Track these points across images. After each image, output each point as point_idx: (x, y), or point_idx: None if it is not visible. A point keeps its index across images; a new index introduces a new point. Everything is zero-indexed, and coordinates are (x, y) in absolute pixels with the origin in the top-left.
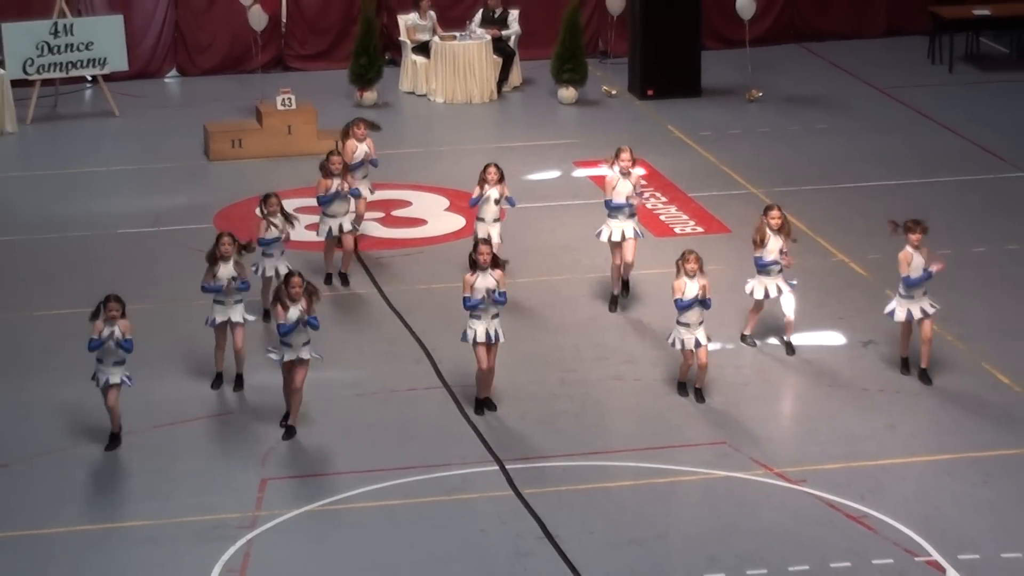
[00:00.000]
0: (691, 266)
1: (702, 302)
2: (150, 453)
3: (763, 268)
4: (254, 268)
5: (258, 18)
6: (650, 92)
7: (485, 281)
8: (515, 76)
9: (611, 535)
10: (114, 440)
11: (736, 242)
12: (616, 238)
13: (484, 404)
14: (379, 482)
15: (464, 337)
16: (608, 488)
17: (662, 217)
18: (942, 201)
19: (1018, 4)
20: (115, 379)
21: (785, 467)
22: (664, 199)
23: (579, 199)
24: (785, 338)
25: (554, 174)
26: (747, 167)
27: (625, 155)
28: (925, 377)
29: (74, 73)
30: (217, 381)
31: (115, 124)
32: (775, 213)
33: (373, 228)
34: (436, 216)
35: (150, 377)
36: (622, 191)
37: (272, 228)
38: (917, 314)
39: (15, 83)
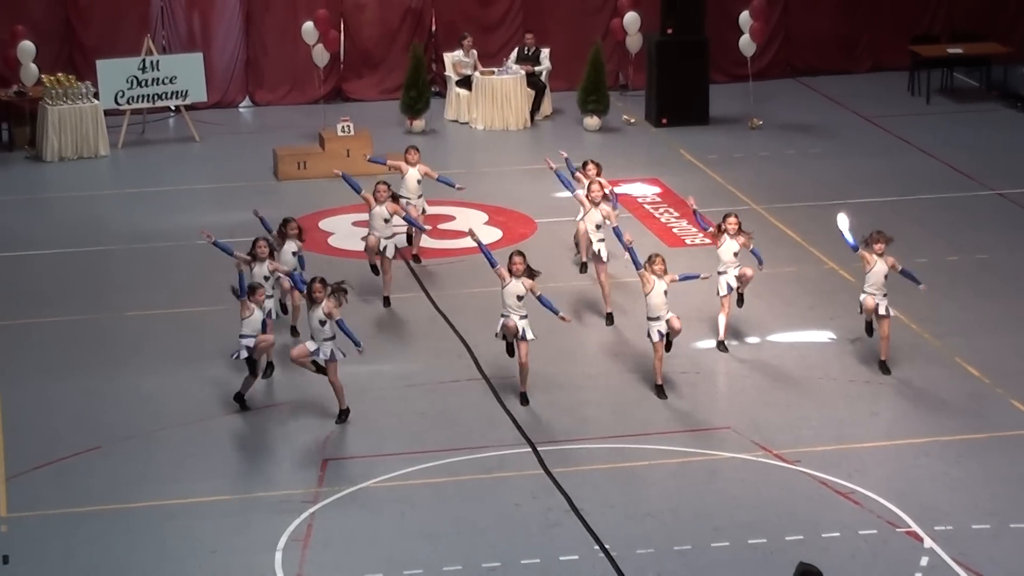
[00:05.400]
0: (658, 267)
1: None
2: (224, 436)
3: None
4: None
5: (320, 55)
6: (664, 121)
7: (515, 287)
8: (546, 106)
9: (629, 508)
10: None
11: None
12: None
13: (521, 397)
14: (426, 462)
15: (497, 333)
16: (626, 467)
17: (675, 230)
18: (920, 216)
19: (986, 43)
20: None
21: (782, 449)
22: (676, 214)
23: None
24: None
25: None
26: (749, 186)
27: (594, 175)
28: (884, 368)
29: (160, 104)
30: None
31: (195, 148)
32: (732, 219)
33: (425, 240)
34: (476, 229)
35: (224, 368)
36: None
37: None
38: (881, 310)
39: (108, 112)
